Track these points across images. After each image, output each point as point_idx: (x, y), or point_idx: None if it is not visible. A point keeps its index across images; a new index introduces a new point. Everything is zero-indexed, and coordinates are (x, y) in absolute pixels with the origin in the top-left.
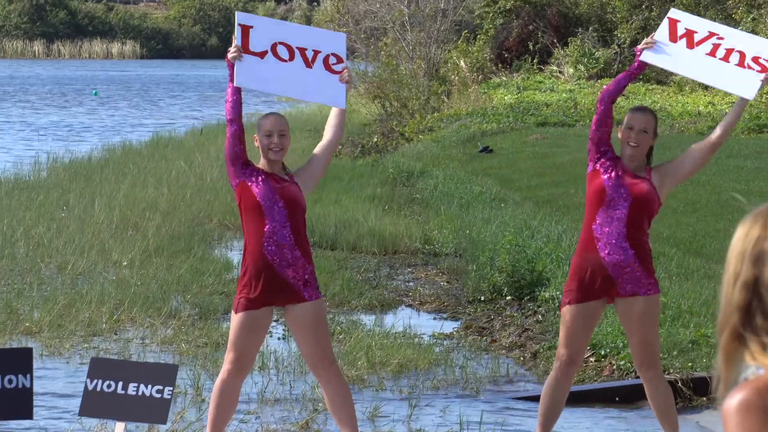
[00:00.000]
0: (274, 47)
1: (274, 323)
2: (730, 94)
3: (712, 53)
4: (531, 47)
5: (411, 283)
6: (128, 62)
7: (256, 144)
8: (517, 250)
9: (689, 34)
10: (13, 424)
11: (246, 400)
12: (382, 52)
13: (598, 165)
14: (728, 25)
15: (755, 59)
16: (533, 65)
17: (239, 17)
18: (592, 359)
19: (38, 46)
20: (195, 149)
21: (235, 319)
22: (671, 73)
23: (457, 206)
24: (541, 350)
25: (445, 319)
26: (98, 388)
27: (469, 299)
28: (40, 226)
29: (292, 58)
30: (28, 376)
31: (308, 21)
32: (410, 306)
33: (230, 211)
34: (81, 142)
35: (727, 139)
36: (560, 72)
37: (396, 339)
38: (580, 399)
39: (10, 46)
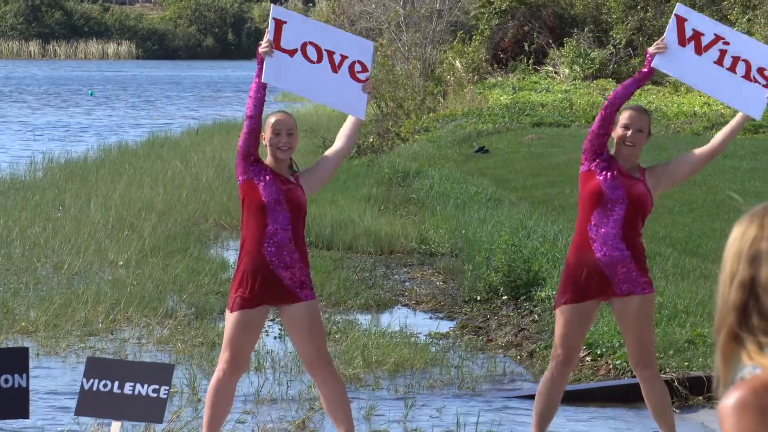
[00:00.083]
0: (304, 47)
1: (269, 322)
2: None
3: (720, 61)
4: (526, 48)
5: (407, 283)
6: (124, 63)
7: (264, 142)
8: (513, 250)
9: (696, 36)
10: (9, 423)
11: (242, 399)
12: (378, 53)
13: (593, 165)
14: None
15: (760, 71)
16: (529, 66)
17: (275, 11)
18: (588, 358)
19: (34, 46)
20: (191, 149)
21: (230, 318)
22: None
23: (452, 206)
24: (538, 349)
25: (441, 318)
26: (94, 388)
27: (465, 299)
28: (35, 226)
29: (320, 60)
30: (24, 375)
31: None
32: (406, 306)
33: (226, 210)
34: (77, 143)
35: None
36: (556, 72)
37: (392, 338)
38: (576, 398)
39: (5, 47)
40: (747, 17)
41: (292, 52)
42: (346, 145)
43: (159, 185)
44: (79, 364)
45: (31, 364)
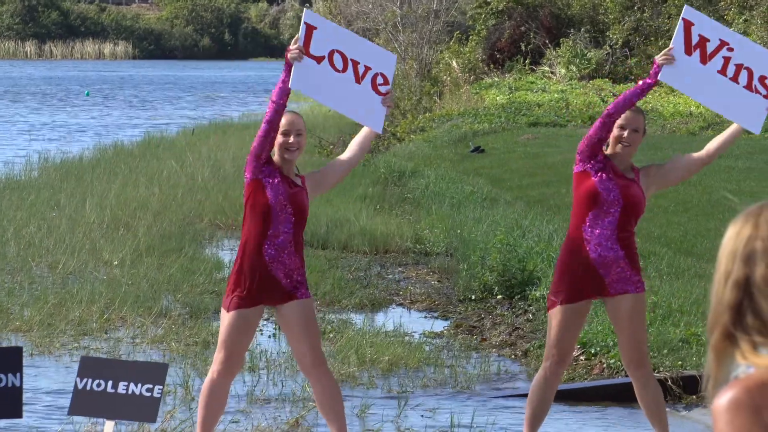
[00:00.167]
0: (331, 54)
1: (264, 321)
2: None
3: (723, 70)
4: (523, 48)
5: (402, 282)
6: (120, 63)
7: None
8: (508, 250)
9: (702, 43)
10: (3, 423)
11: (236, 398)
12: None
13: (587, 166)
14: None
15: (762, 80)
16: (525, 66)
17: (306, 15)
18: (582, 358)
19: (30, 46)
20: (186, 149)
21: (227, 317)
22: None
23: (448, 206)
24: (532, 349)
25: (436, 318)
26: (88, 387)
27: (460, 298)
28: (31, 226)
29: (344, 69)
30: (18, 374)
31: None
32: (401, 305)
33: (221, 210)
34: (72, 142)
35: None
36: (552, 72)
37: (386, 337)
38: (569, 397)
39: (2, 47)
40: (744, 18)
41: (319, 59)
42: (357, 155)
43: (154, 185)
44: (73, 364)
45: (24, 364)
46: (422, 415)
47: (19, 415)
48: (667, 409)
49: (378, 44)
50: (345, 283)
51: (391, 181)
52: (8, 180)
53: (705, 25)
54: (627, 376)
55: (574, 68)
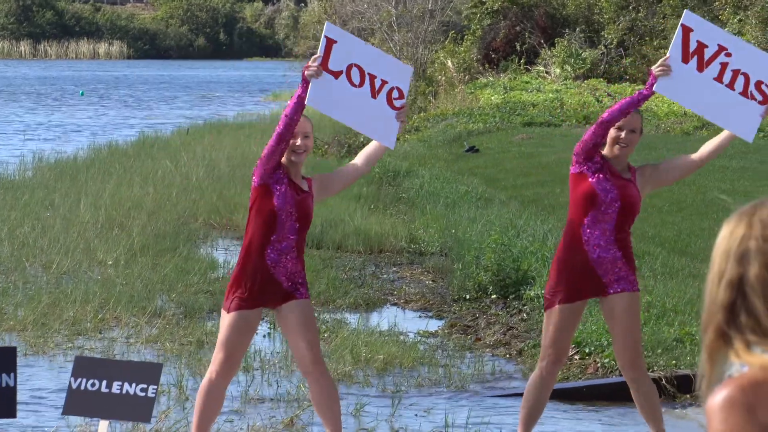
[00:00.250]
0: (349, 69)
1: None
2: None
3: (719, 77)
4: (518, 48)
5: (396, 282)
6: (115, 62)
7: None
8: (503, 249)
9: (700, 50)
10: None
11: (230, 398)
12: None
13: (584, 168)
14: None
15: (758, 85)
16: (520, 66)
17: (328, 29)
18: (576, 357)
19: (25, 46)
20: (181, 149)
21: (227, 318)
22: None
23: (442, 205)
24: (526, 348)
25: (431, 317)
26: (82, 387)
27: (455, 298)
28: (25, 226)
29: (362, 84)
30: (12, 374)
31: (296, 22)
32: (395, 305)
33: (215, 210)
34: (67, 142)
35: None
36: (547, 72)
37: (381, 337)
38: (564, 396)
39: None
40: (738, 18)
41: (337, 74)
42: (364, 166)
43: (149, 185)
44: (67, 363)
45: (18, 363)
46: (416, 414)
47: (13, 415)
48: (663, 409)
49: (373, 44)
50: (339, 283)
51: (385, 180)
52: (2, 180)
53: (704, 31)
54: (621, 375)
55: (568, 68)
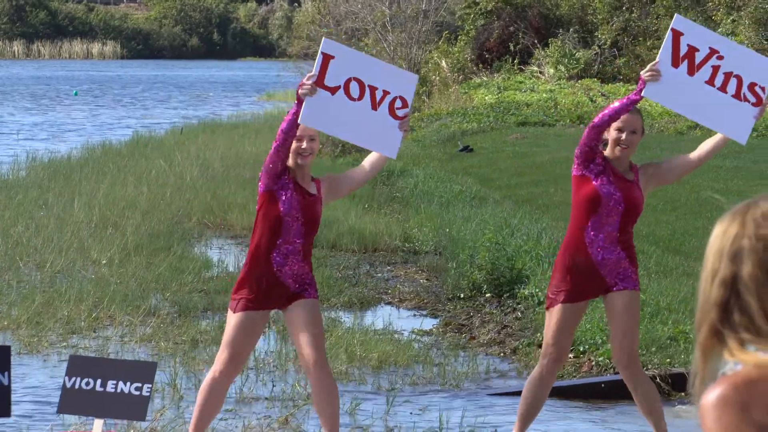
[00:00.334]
0: (347, 83)
1: None
2: None
3: (711, 80)
4: (512, 48)
5: (390, 281)
6: (109, 62)
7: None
8: (497, 248)
9: (691, 53)
10: None
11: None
12: (363, 53)
13: (586, 171)
14: (708, 27)
15: (752, 86)
16: (514, 66)
17: (325, 45)
18: (571, 355)
19: (18, 46)
20: (175, 148)
21: (233, 318)
22: None
23: (437, 205)
24: (521, 347)
25: (425, 316)
26: (77, 386)
27: (449, 296)
28: (18, 225)
29: (361, 97)
30: (6, 373)
31: (289, 22)
32: (390, 303)
33: (209, 210)
34: (61, 142)
35: (705, 137)
36: (541, 72)
37: (375, 335)
38: (558, 394)
39: None
40: (731, 18)
41: (334, 90)
42: (371, 172)
43: (143, 184)
44: (62, 362)
45: (13, 362)
46: (411, 412)
47: (8, 414)
48: (666, 407)
49: (367, 44)
50: (334, 282)
51: (379, 180)
52: None
53: (695, 34)
54: (616, 373)
55: (562, 68)
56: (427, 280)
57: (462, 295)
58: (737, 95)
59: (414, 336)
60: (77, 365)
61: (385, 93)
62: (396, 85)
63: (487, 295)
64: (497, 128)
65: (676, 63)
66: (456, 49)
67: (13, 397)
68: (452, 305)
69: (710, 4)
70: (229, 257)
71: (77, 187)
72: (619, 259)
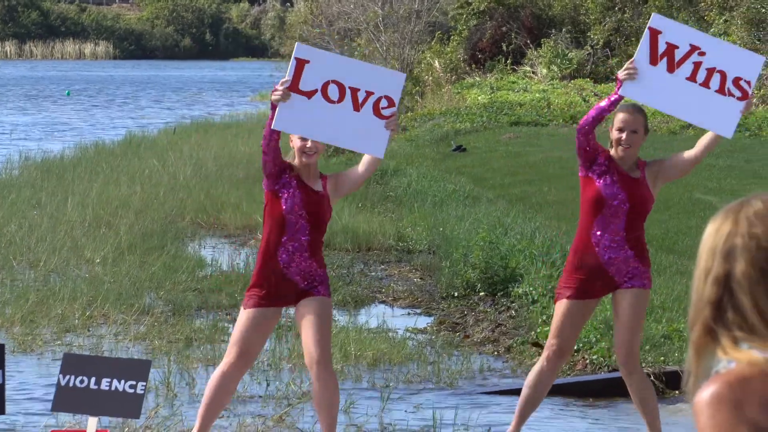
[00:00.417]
0: (325, 86)
1: None
2: None
3: (693, 77)
4: (504, 48)
5: (384, 280)
6: (101, 63)
7: (292, 145)
8: (491, 247)
9: (670, 51)
10: None
11: None
12: (356, 53)
13: (590, 172)
14: (700, 27)
15: (736, 81)
16: (506, 66)
17: (298, 50)
18: None
19: (10, 46)
20: (168, 148)
21: (243, 314)
22: None
23: (430, 204)
24: (515, 345)
25: (419, 314)
26: (71, 384)
27: (443, 295)
28: (12, 224)
29: (341, 99)
30: (1, 372)
31: (282, 22)
32: (384, 302)
33: (203, 209)
34: (53, 141)
35: (698, 137)
36: (533, 72)
37: (370, 334)
38: (552, 392)
39: None
40: (724, 18)
41: (310, 94)
42: (366, 173)
43: (136, 184)
44: (56, 361)
45: (7, 361)
46: (406, 410)
47: (2, 412)
48: (660, 405)
49: (359, 44)
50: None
51: (373, 179)
52: None
53: (674, 32)
54: (610, 372)
55: (555, 68)
56: (420, 278)
57: (456, 294)
58: (721, 90)
59: (408, 334)
60: (71, 363)
61: (369, 93)
62: (380, 86)
63: (481, 293)
64: (490, 128)
65: (654, 61)
66: (449, 49)
67: (8, 396)
68: (446, 304)
69: (702, 4)
70: (222, 256)
71: (70, 187)
72: (627, 258)
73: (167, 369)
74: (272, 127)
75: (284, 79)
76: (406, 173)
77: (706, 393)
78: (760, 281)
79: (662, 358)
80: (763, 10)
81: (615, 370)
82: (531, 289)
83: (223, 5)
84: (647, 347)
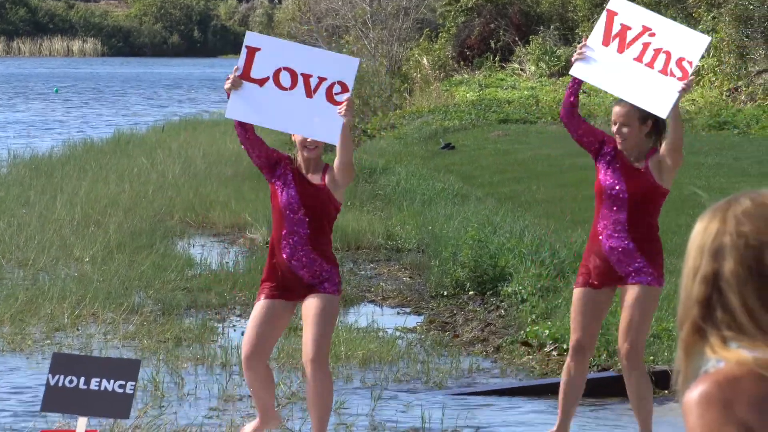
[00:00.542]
0: (277, 73)
1: (237, 318)
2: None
3: (640, 57)
4: (493, 45)
5: (374, 279)
6: (89, 60)
7: (293, 139)
8: (480, 246)
9: (623, 32)
10: None
11: (209, 396)
12: (344, 50)
13: (598, 161)
14: (688, 24)
15: (679, 62)
16: (495, 63)
17: (248, 38)
18: (554, 353)
19: None
20: (157, 146)
21: (256, 307)
22: None
23: (419, 202)
24: (504, 344)
25: (408, 313)
26: (60, 384)
27: (432, 294)
28: (0, 223)
29: (293, 86)
30: None
31: (270, 19)
32: (373, 301)
33: (191, 207)
34: (42, 139)
35: (688, 136)
36: (522, 70)
37: (359, 334)
38: (543, 392)
39: None
40: (712, 15)
41: (262, 81)
42: (337, 158)
43: (125, 182)
44: (45, 360)
45: None
46: (396, 410)
47: None
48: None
49: (347, 41)
50: None
51: (362, 177)
52: None
53: (629, 13)
54: (600, 371)
55: (543, 65)
56: (410, 277)
57: (445, 293)
58: (664, 70)
59: (398, 334)
60: (60, 363)
61: (321, 79)
62: (333, 71)
63: (471, 292)
64: (479, 125)
65: (606, 42)
66: (437, 46)
67: None
68: (435, 303)
69: (690, 1)
70: (211, 255)
71: (59, 185)
72: (629, 250)
73: (156, 369)
74: (226, 115)
75: (235, 67)
76: (395, 171)
77: (695, 392)
78: (748, 280)
79: (651, 357)
80: (751, 7)
81: (605, 369)
82: (520, 288)
83: (211, 2)
84: None
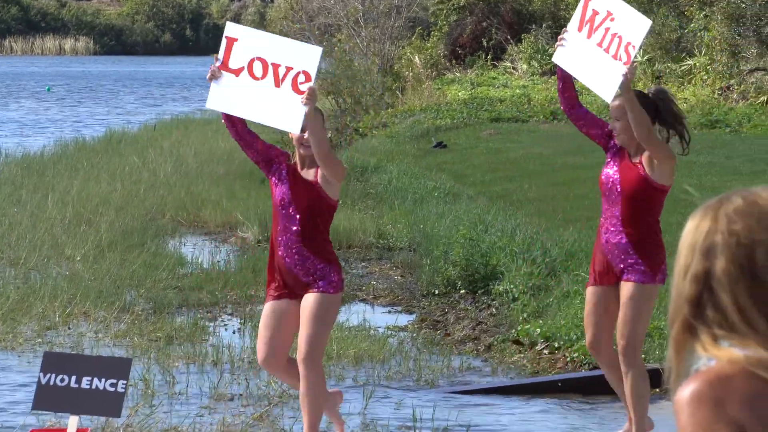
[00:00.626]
0: (251, 63)
1: (228, 316)
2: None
3: (601, 42)
4: (485, 44)
5: (365, 278)
6: (81, 58)
7: (291, 136)
8: (471, 244)
9: (593, 17)
10: None
11: (200, 395)
12: (336, 49)
13: (607, 156)
14: (680, 22)
15: (627, 46)
16: (487, 61)
17: (228, 29)
18: (545, 351)
19: None
20: (148, 144)
21: (264, 309)
22: None
23: (411, 201)
24: (495, 343)
25: (400, 312)
26: (51, 382)
27: (423, 293)
28: None
29: (264, 75)
30: None
31: (262, 18)
32: (364, 300)
33: (183, 206)
34: (33, 138)
35: None
36: (514, 68)
37: (351, 332)
38: (534, 390)
39: None
40: (704, 14)
41: (238, 71)
42: (313, 150)
43: (116, 181)
44: (36, 359)
45: None
46: (387, 408)
47: None
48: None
49: (340, 40)
50: None
51: (353, 176)
52: None
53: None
54: (591, 369)
55: (535, 64)
56: (401, 276)
57: (437, 292)
58: (615, 55)
59: (389, 332)
60: (52, 362)
61: (288, 69)
62: (298, 60)
63: (462, 291)
64: (471, 124)
65: (580, 27)
66: (429, 44)
67: None
68: (427, 301)
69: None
70: (203, 254)
71: (51, 184)
72: (622, 245)
73: (147, 367)
74: (206, 106)
75: (215, 56)
76: (387, 170)
77: (686, 391)
78: (740, 278)
79: (643, 356)
80: (743, 6)
81: (596, 368)
82: (512, 286)
83: (203, 1)
84: None
